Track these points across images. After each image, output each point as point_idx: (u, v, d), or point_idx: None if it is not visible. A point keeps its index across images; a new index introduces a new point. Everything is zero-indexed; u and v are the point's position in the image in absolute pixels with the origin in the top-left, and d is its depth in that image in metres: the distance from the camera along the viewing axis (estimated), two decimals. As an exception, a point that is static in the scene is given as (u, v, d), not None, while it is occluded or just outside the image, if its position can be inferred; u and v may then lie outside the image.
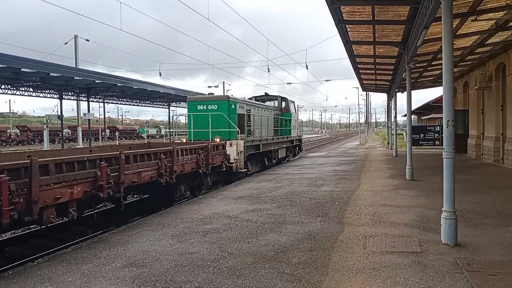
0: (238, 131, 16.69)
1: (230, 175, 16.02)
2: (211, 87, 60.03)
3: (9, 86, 29.76)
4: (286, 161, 24.64)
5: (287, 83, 58.36)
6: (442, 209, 6.49)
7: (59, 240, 8.68)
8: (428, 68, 20.50)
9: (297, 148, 27.54)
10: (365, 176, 15.80)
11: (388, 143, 37.23)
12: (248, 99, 21.37)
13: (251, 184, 14.24)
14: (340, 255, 5.98)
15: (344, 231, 7.34)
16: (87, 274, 5.45)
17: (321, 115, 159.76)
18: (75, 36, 35.34)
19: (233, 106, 17.44)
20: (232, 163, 15.61)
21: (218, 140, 15.62)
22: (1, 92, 29.66)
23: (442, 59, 6.64)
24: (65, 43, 35.00)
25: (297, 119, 28.22)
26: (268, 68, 40.09)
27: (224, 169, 15.06)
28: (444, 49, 6.55)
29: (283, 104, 25.11)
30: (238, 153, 16.20)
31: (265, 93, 25.03)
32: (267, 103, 24.03)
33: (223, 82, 61.02)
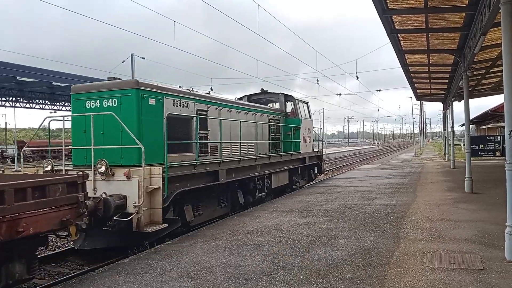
0: (142, 149, 7.91)
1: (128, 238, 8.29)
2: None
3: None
4: (290, 190, 16.22)
5: (337, 94, 57.79)
6: (506, 224, 6.14)
7: (117, 250, 8.99)
8: (487, 76, 19.58)
9: (314, 169, 19.01)
10: (421, 189, 15.23)
11: (444, 154, 35.69)
12: (237, 99, 15.14)
13: (302, 197, 14.15)
14: (397, 271, 5.80)
15: (400, 247, 7.11)
16: (144, 285, 5.63)
17: (372, 126, 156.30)
18: (132, 55, 37.02)
19: (151, 102, 8.98)
20: (129, 216, 7.76)
21: (102, 166, 8.16)
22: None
23: (502, 66, 6.34)
24: (122, 62, 36.73)
25: (312, 127, 18.46)
26: (317, 80, 39.86)
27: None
28: (504, 55, 6.25)
29: (289, 105, 16.73)
30: (143, 193, 7.92)
31: (262, 89, 16.77)
32: (268, 103, 17.01)
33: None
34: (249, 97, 16.62)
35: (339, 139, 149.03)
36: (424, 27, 11.91)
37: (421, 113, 67.91)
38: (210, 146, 11.17)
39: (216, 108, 11.69)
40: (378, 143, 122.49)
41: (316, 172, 19.34)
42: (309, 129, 17.84)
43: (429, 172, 22.67)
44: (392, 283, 5.36)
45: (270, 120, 15.24)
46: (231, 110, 12.55)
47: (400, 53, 15.04)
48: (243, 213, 11.51)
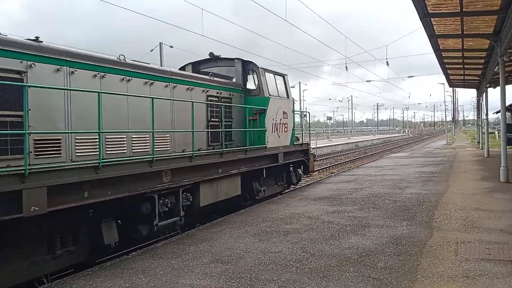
0: None
1: None
2: (293, 86, 60.15)
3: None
4: (250, 202, 11.20)
5: (366, 81, 56.81)
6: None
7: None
8: (526, 61, 18.75)
9: (298, 169, 13.88)
10: (454, 178, 14.85)
11: (478, 142, 34.65)
12: (179, 69, 11.16)
13: (330, 185, 14.06)
14: (430, 261, 5.70)
15: (433, 236, 6.98)
16: (176, 268, 5.75)
17: (402, 114, 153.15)
18: (160, 43, 37.37)
19: None
20: None
21: None
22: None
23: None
24: (151, 50, 37.12)
25: (292, 111, 12.87)
26: (346, 66, 39.22)
27: None
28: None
29: (251, 79, 11.42)
30: None
31: (211, 54, 11.76)
32: (231, 78, 11.56)
33: (299, 82, 60.95)
34: (195, 67, 11.76)
35: (368, 127, 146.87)
36: (459, 10, 11.49)
37: (453, 100, 66.03)
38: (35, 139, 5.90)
39: (96, 75, 6.89)
40: (408, 131, 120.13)
41: (300, 172, 14.02)
42: (284, 112, 12.17)
43: (462, 161, 22.08)
44: (425, 273, 5.27)
45: (211, 99, 9.90)
46: (129, 80, 7.53)
47: (433, 38, 14.59)
48: (271, 200, 11.54)
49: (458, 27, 13.19)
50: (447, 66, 21.45)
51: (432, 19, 12.52)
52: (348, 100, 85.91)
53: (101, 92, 6.35)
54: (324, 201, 10.70)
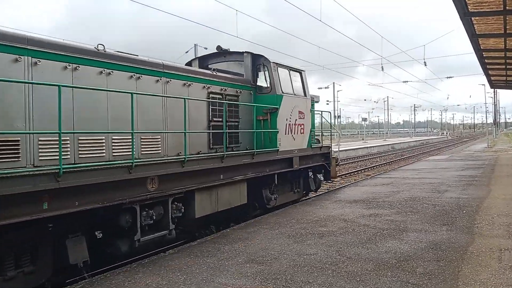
0: None
1: None
2: (321, 88, 59.62)
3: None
4: (260, 212, 10.13)
5: (403, 81, 55.56)
6: None
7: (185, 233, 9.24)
8: None
9: (318, 174, 12.54)
10: (496, 182, 14.29)
11: (522, 146, 33.14)
12: (186, 64, 10.27)
13: (366, 188, 13.82)
14: (471, 268, 5.50)
15: (474, 242, 6.74)
16: (212, 267, 5.81)
17: (441, 115, 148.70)
18: (195, 45, 37.86)
19: None
20: None
21: None
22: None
23: None
24: (186, 52, 37.67)
25: (309, 110, 11.62)
26: (382, 67, 38.45)
27: None
28: None
29: (262, 74, 10.33)
30: None
31: (219, 47, 10.61)
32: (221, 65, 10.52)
33: (333, 83, 60.26)
34: (202, 62, 10.70)
35: (405, 129, 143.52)
36: (502, 9, 11.05)
37: (494, 102, 63.47)
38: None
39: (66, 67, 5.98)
40: (447, 133, 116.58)
41: (320, 178, 12.72)
42: (301, 112, 10.94)
43: (504, 165, 21.20)
44: (466, 279, 5.10)
45: (213, 96, 8.86)
46: (109, 73, 6.60)
47: (474, 37, 14.08)
48: (305, 202, 11.47)
49: (501, 26, 12.69)
50: (488, 66, 20.68)
51: (473, 18, 12.10)
52: (384, 101, 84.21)
53: (63, 86, 5.27)
54: (360, 204, 10.54)
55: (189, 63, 10.64)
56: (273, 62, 10.05)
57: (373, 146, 43.34)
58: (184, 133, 7.32)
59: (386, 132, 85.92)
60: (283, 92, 10.16)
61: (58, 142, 5.29)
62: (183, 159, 7.11)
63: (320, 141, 13.02)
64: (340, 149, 32.18)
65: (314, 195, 13.10)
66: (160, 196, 6.78)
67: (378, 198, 11.35)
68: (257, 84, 10.29)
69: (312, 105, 12.25)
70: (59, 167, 5.10)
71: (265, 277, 5.36)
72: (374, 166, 25.41)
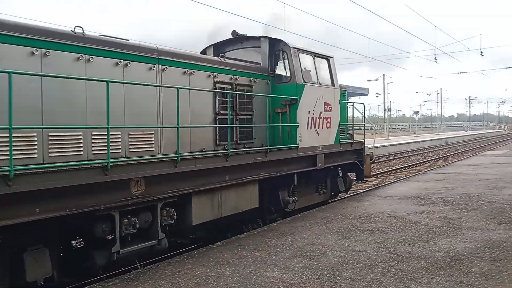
0: None
1: None
2: (370, 80, 58.14)
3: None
4: (279, 216, 9.15)
5: (458, 73, 53.12)
6: None
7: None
8: None
9: (347, 175, 11.36)
10: (561, 179, 13.36)
11: None
12: (201, 51, 9.84)
13: (417, 183, 13.37)
14: (533, 270, 5.19)
15: (536, 243, 6.35)
16: (259, 260, 5.86)
17: (498, 108, 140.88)
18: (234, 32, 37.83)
19: None
20: None
21: None
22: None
23: None
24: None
25: (337, 101, 10.21)
26: (435, 57, 36.92)
27: None
28: None
29: (282, 62, 9.20)
30: None
31: (235, 32, 9.62)
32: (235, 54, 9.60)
33: (383, 75, 58.60)
34: (218, 49, 9.71)
35: (459, 122, 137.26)
36: None
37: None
38: None
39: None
40: (504, 126, 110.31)
41: (352, 178, 11.70)
42: (327, 104, 9.73)
43: None
44: (527, 282, 4.82)
45: (220, 86, 7.87)
46: (89, 59, 5.75)
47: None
48: (353, 198, 11.28)
49: None
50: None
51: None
52: (437, 93, 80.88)
53: (14, 73, 4.44)
54: (411, 200, 10.22)
55: (203, 51, 9.81)
56: (294, 47, 8.92)
57: (425, 140, 41.80)
58: (177, 127, 6.30)
59: (439, 125, 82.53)
60: (304, 81, 8.99)
61: (17, 139, 4.75)
62: (176, 158, 6.16)
63: (353, 136, 11.79)
64: (389, 143, 31.38)
65: (332, 201, 11.03)
66: (146, 201, 5.88)
67: (431, 195, 10.95)
68: (276, 72, 9.18)
69: (343, 96, 10.99)
70: (10, 169, 4.32)
71: (312, 272, 5.33)
72: (426, 161, 24.52)
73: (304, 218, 8.51)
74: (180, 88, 6.38)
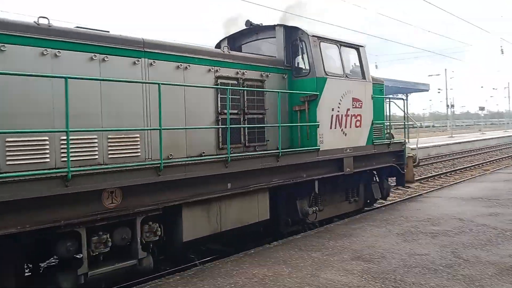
0: None
1: None
2: (431, 75, 55.62)
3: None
4: (303, 227, 8.18)
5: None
6: None
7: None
8: None
9: (385, 180, 10.17)
10: None
11: None
12: (216, 45, 8.92)
13: (485, 184, 12.63)
14: None
15: None
16: (317, 262, 5.80)
17: None
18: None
19: None
20: None
21: None
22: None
23: None
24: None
25: (369, 97, 8.98)
26: (502, 49, 34.63)
27: None
28: None
29: (299, 53, 8.21)
30: None
31: (247, 21, 8.71)
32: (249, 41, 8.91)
33: (445, 70, 55.85)
34: (233, 42, 8.90)
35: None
36: None
37: None
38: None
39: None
40: None
41: (391, 183, 10.66)
42: (356, 99, 8.59)
43: None
44: None
45: (223, 81, 6.98)
46: (55, 54, 5.08)
47: None
48: (414, 199, 10.85)
49: None
50: None
51: None
52: (505, 88, 75.90)
53: None
54: (478, 202, 9.66)
55: (217, 45, 8.91)
56: (313, 36, 7.87)
57: (491, 138, 39.36)
58: (160, 129, 5.45)
59: (507, 122, 77.36)
60: (327, 74, 7.90)
61: None
62: (158, 165, 5.33)
63: (393, 136, 10.56)
64: (453, 142, 29.86)
65: (369, 209, 9.89)
66: (121, 216, 5.11)
67: (499, 196, 10.30)
68: (294, 65, 8.17)
69: (380, 91, 9.85)
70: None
71: (372, 275, 5.19)
72: (493, 160, 23.10)
73: (362, 220, 8.32)
74: (163, 84, 5.54)
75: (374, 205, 10.29)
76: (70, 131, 4.63)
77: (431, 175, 16.47)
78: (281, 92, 7.50)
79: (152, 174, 5.31)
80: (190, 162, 5.89)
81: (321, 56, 7.87)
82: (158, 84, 5.45)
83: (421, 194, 11.76)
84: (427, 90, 43.88)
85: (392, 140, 9.95)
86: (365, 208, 9.80)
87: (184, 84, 6.27)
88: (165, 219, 5.75)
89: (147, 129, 5.79)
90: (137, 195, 5.21)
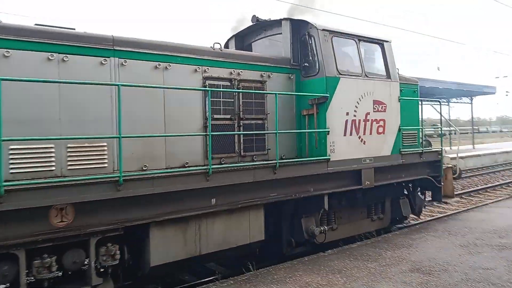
0: None
1: None
2: (498, 77, 52.24)
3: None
4: (311, 248, 7.17)
5: None
6: None
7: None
8: None
9: (417, 195, 9.02)
10: None
11: None
12: (224, 45, 7.86)
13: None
14: None
15: None
16: (373, 273, 5.63)
17: None
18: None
19: None
20: None
21: None
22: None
23: None
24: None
25: (396, 98, 7.91)
26: None
27: None
28: None
29: (308, 50, 7.11)
30: None
31: (253, 17, 7.84)
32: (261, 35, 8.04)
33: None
34: (241, 40, 8.29)
35: None
36: None
37: None
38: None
39: None
40: None
41: (424, 198, 9.30)
42: (378, 102, 7.58)
43: None
44: None
45: (212, 83, 6.21)
46: (4, 55, 4.57)
47: None
48: (477, 209, 10.27)
49: None
50: None
51: None
52: None
53: None
54: (551, 214, 8.95)
55: (226, 44, 8.27)
56: (324, 30, 6.94)
57: None
58: (119, 137, 4.81)
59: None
60: (340, 73, 6.99)
61: None
62: (117, 179, 4.69)
63: (424, 144, 9.61)
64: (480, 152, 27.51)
65: (397, 227, 8.87)
66: (70, 236, 4.51)
67: None
68: (304, 64, 7.19)
69: (413, 92, 8.80)
70: None
71: (432, 289, 4.96)
72: None
73: (422, 230, 8.00)
74: (122, 85, 4.92)
75: (405, 222, 9.25)
76: (4, 141, 4.05)
77: (491, 185, 15.37)
78: (279, 93, 6.48)
79: (110, 189, 4.67)
80: (159, 175, 5.11)
81: (333, 53, 6.97)
82: (118, 85, 4.86)
83: (486, 204, 11.06)
84: (493, 93, 41.44)
85: (426, 148, 8.83)
86: (394, 227, 8.81)
87: (150, 85, 5.43)
88: (130, 241, 5.12)
89: (102, 137, 4.98)
90: (93, 212, 4.63)
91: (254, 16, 7.82)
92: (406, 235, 7.64)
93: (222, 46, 6.66)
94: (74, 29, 5.25)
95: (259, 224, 6.19)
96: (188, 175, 5.31)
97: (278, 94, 6.42)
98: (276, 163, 6.07)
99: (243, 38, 8.23)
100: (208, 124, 5.74)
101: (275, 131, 6.23)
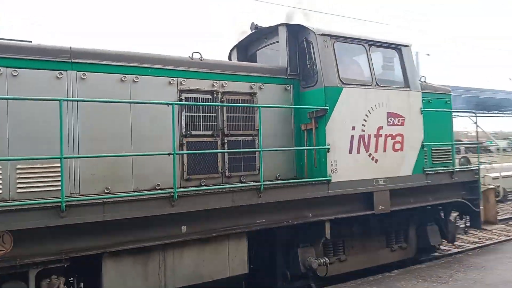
0: None
1: None
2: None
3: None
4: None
5: None
6: None
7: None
8: None
9: (449, 221, 8.02)
10: None
11: None
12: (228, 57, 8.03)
13: None
14: None
15: None
16: (443, 295, 5.39)
17: None
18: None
19: None
20: None
21: None
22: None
23: None
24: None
25: (418, 109, 7.05)
26: None
27: None
28: None
29: (305, 55, 6.41)
30: None
31: (252, 24, 7.27)
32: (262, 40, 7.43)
33: None
34: (245, 49, 7.81)
35: None
36: None
37: None
38: None
39: None
40: None
41: (455, 224, 8.16)
42: (394, 115, 6.78)
43: None
44: None
45: (189, 96, 5.69)
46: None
47: None
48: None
49: None
50: None
51: None
52: None
53: None
54: None
55: (229, 56, 7.89)
56: (323, 34, 6.27)
57: None
58: (61, 158, 4.33)
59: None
60: (343, 82, 6.28)
61: None
62: (59, 204, 4.22)
63: (462, 161, 8.77)
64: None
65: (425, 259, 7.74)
66: (6, 267, 4.14)
67: None
68: (303, 72, 6.54)
69: (444, 103, 7.78)
70: None
71: (508, 316, 4.65)
72: None
73: (498, 250, 7.58)
74: (65, 100, 4.54)
75: (438, 251, 8.17)
76: None
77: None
78: (259, 106, 5.79)
79: (51, 216, 4.20)
80: (110, 200, 4.55)
81: (335, 60, 6.28)
82: (60, 100, 4.37)
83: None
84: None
85: (458, 167, 7.78)
86: (421, 258, 7.72)
87: (101, 100, 4.93)
88: (79, 273, 4.79)
89: (38, 158, 4.51)
90: (33, 241, 4.24)
91: (252, 23, 7.39)
92: (479, 256, 7.31)
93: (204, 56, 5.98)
94: (31, 41, 5.02)
95: (241, 255, 5.47)
96: (151, 199, 4.74)
97: (262, 107, 5.79)
98: (261, 185, 5.37)
99: (246, 48, 7.76)
100: (185, 142, 5.46)
101: (260, 149, 5.65)
